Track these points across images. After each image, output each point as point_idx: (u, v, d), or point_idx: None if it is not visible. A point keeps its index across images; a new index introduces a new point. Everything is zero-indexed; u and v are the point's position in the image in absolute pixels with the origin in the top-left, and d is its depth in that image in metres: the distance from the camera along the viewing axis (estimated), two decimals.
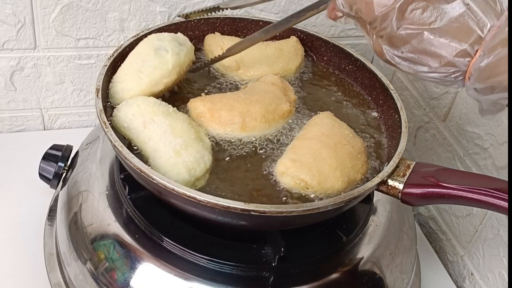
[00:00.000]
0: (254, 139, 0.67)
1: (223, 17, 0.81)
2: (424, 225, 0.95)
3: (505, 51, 0.47)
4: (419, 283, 0.79)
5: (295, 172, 0.61)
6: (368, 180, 0.61)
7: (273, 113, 0.68)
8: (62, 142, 0.79)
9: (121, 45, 0.72)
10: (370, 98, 0.76)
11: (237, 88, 0.74)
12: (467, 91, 0.52)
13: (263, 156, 0.65)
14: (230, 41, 0.78)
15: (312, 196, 0.61)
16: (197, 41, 0.80)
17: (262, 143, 0.66)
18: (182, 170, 0.59)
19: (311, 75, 0.80)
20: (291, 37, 0.82)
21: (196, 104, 0.68)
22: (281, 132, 0.68)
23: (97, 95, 0.64)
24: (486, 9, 0.49)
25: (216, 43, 0.78)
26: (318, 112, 0.72)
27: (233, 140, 0.66)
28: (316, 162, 0.62)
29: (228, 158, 0.64)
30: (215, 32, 0.81)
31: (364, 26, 0.56)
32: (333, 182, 0.61)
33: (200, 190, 0.56)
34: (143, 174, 0.56)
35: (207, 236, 0.64)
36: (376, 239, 0.68)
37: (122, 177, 0.66)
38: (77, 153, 0.78)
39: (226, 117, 0.66)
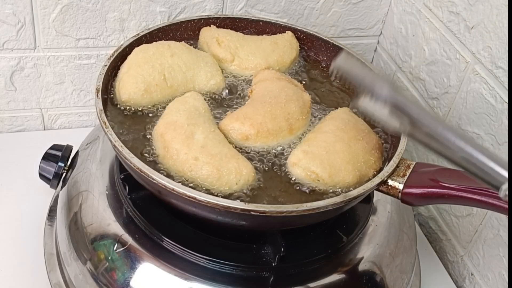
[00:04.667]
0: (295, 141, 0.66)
1: (223, 17, 0.81)
2: (424, 225, 0.94)
3: None
4: (419, 283, 0.79)
5: (306, 164, 0.61)
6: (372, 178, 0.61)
7: (305, 106, 0.68)
8: (62, 142, 0.78)
9: (121, 45, 0.72)
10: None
11: (235, 88, 0.74)
12: None
13: None
14: (225, 33, 0.78)
15: (323, 188, 0.61)
16: (197, 40, 0.80)
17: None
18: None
19: (304, 69, 0.80)
20: (287, 31, 0.82)
21: (233, 125, 0.64)
22: (312, 122, 0.69)
23: (97, 95, 0.64)
24: None
25: (211, 35, 0.78)
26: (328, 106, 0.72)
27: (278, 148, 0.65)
28: (328, 155, 0.62)
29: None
30: (211, 25, 0.80)
31: None
32: (344, 176, 0.61)
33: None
34: (143, 174, 0.56)
35: (207, 236, 0.64)
36: (376, 239, 0.68)
37: (122, 177, 0.66)
38: (77, 153, 0.78)
39: (273, 127, 0.64)
